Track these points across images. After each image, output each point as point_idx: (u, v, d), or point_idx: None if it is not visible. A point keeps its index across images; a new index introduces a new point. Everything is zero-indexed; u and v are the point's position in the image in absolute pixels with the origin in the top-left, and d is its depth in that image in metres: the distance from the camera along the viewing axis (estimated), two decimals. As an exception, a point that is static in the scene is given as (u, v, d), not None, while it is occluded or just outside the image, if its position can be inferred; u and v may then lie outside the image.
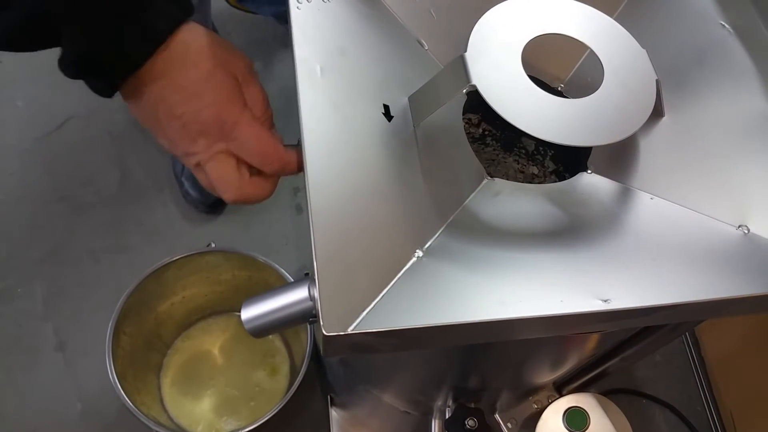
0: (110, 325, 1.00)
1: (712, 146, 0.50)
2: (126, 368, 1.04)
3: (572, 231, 0.52)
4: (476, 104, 0.71)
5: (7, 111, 1.48)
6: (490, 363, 0.61)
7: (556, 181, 0.75)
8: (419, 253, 0.45)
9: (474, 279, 0.44)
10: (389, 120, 0.50)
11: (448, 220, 0.49)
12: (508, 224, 0.51)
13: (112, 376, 0.95)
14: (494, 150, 0.79)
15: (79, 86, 1.60)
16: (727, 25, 0.56)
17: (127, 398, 0.92)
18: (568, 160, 0.72)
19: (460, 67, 0.47)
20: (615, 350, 0.66)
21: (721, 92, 0.53)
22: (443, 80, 0.50)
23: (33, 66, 1.52)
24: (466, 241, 0.48)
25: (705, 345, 1.26)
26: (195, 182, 1.30)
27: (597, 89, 0.47)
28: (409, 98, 0.53)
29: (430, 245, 0.46)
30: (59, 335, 1.27)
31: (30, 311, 1.30)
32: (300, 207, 1.38)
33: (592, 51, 0.49)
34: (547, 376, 0.70)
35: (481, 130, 0.75)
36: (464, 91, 0.46)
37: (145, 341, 1.15)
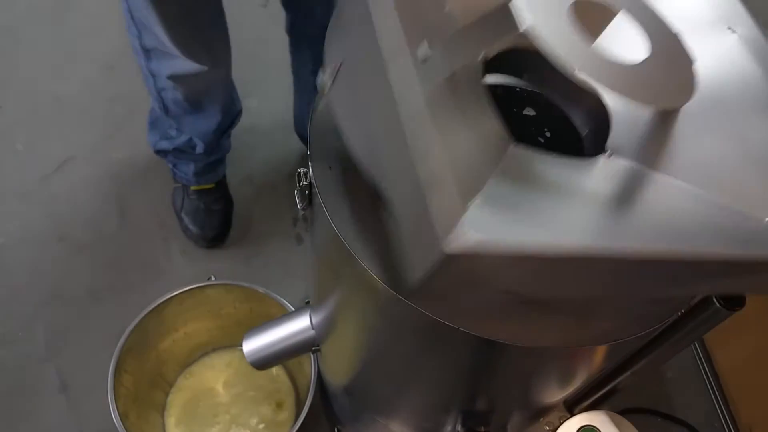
0: (112, 364, 0.98)
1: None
2: (129, 408, 1.02)
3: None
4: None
5: (8, 155, 1.50)
6: (497, 381, 0.60)
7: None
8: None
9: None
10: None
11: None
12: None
13: (115, 417, 0.94)
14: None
15: (77, 127, 1.62)
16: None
17: (129, 438, 0.90)
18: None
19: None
20: (625, 363, 0.64)
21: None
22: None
23: (32, 109, 1.54)
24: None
25: (717, 358, 1.23)
26: (195, 217, 1.30)
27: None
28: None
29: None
30: (61, 377, 1.26)
31: (31, 354, 1.29)
32: (300, 237, 1.37)
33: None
34: (556, 394, 0.68)
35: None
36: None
37: (148, 380, 1.13)
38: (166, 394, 1.20)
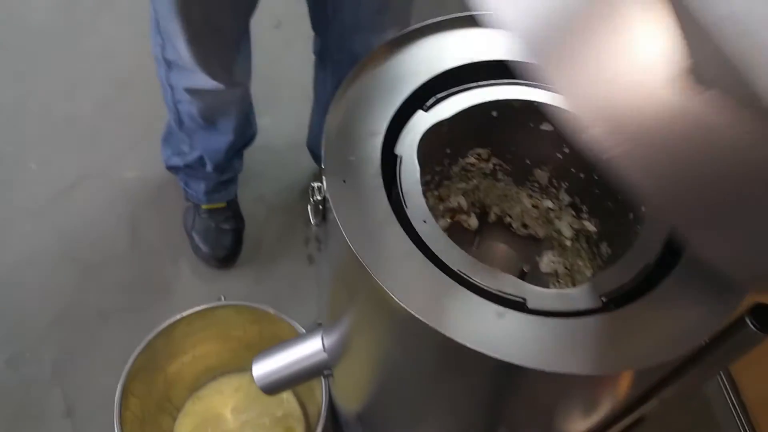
0: (118, 388, 0.96)
1: None
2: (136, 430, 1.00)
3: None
4: (486, 137, 0.69)
5: (21, 173, 1.50)
6: (517, 408, 0.57)
7: (572, 214, 0.73)
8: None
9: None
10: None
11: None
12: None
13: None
14: (506, 185, 0.77)
15: (90, 146, 1.61)
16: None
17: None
18: (584, 192, 0.70)
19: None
20: (650, 391, 0.61)
21: None
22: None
23: (46, 129, 1.54)
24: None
25: (743, 386, 1.18)
26: (206, 237, 1.29)
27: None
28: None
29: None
30: (67, 401, 1.24)
31: (38, 377, 1.27)
32: (312, 257, 1.35)
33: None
34: (580, 424, 0.65)
35: (491, 165, 0.73)
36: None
37: (155, 404, 1.11)
38: (174, 419, 1.17)
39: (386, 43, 0.61)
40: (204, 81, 0.92)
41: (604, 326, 0.47)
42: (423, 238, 0.50)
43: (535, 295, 0.48)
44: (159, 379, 1.09)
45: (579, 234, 0.73)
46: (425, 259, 0.48)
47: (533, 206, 0.76)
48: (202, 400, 1.18)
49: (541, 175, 0.73)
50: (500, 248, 0.75)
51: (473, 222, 0.78)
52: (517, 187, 0.76)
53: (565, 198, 0.73)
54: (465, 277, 0.48)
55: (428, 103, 0.59)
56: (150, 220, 1.42)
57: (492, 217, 0.79)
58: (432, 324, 0.43)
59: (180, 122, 1.10)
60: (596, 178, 0.66)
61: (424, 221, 0.51)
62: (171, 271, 1.35)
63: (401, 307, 0.44)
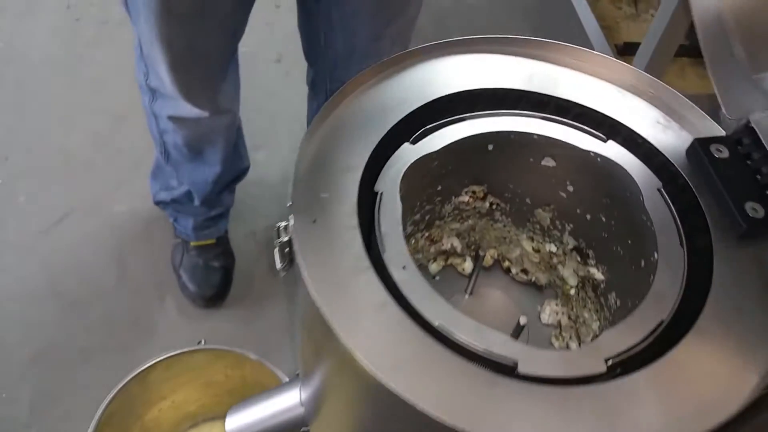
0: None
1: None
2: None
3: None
4: (481, 173, 0.63)
5: (9, 207, 1.45)
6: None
7: (578, 260, 0.66)
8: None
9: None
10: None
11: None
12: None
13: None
14: (504, 226, 0.70)
15: (81, 179, 1.56)
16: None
17: None
18: (590, 235, 0.63)
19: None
20: None
21: None
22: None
23: (37, 160, 1.50)
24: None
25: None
26: (193, 274, 1.23)
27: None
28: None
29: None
30: (41, 446, 1.16)
31: (14, 419, 1.20)
32: (305, 298, 1.28)
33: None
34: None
35: (488, 204, 0.66)
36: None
37: (130, 453, 1.03)
38: (150, 470, 1.09)
39: (372, 68, 0.56)
40: (187, 109, 0.88)
41: (610, 396, 0.40)
42: (400, 288, 0.44)
43: (529, 356, 0.41)
44: (135, 428, 1.02)
45: (585, 282, 0.66)
46: (401, 312, 0.42)
47: (534, 250, 0.69)
48: (179, 449, 1.10)
49: (543, 216, 0.66)
50: (496, 296, 0.68)
51: (468, 266, 0.71)
52: (517, 228, 0.70)
53: (570, 241, 0.66)
54: (447, 334, 0.41)
55: (416, 135, 0.53)
56: (138, 256, 1.37)
57: (488, 261, 0.72)
58: (402, 393, 0.36)
59: (166, 153, 1.05)
60: (603, 219, 0.60)
61: (404, 267, 0.45)
62: (157, 310, 1.29)
63: (368, 372, 0.37)
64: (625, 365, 0.42)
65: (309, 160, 0.48)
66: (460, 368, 0.40)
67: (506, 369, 0.41)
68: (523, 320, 0.56)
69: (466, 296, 0.68)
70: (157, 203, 1.25)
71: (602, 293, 0.63)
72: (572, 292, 0.68)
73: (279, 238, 0.45)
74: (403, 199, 0.51)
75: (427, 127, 0.54)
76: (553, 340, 0.68)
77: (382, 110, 0.52)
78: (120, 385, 0.95)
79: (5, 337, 1.29)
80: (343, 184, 0.47)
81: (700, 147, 0.52)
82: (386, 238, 0.46)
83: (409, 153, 0.52)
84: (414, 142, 0.53)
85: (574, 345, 0.67)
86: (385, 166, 0.51)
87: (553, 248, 0.67)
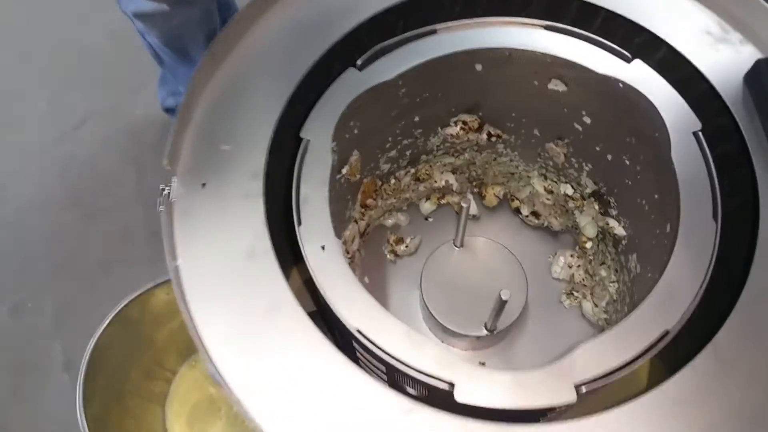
0: (84, 362, 0.87)
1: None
2: (113, 401, 0.92)
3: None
4: (472, 100, 0.50)
5: (31, 111, 1.42)
6: None
7: (597, 209, 0.52)
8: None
9: None
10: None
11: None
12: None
13: (81, 416, 0.83)
14: (511, 161, 0.57)
15: (100, 81, 1.46)
16: None
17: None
18: (612, 180, 0.49)
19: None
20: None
21: None
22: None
23: (61, 64, 1.44)
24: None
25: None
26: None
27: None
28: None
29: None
30: (67, 354, 1.19)
31: (40, 328, 1.22)
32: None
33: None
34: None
35: (485, 136, 0.53)
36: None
37: (144, 371, 1.03)
38: (169, 384, 1.10)
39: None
40: (144, 4, 0.77)
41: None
42: (313, 276, 0.34)
43: (471, 378, 0.31)
44: (149, 344, 1.01)
45: (605, 234, 0.53)
46: (301, 311, 0.32)
47: (547, 191, 0.57)
48: (199, 362, 1.09)
49: (556, 151, 0.53)
50: (492, 249, 0.57)
51: (471, 206, 0.59)
52: (527, 164, 0.56)
53: (589, 184, 0.53)
54: (364, 342, 0.32)
55: (364, 58, 0.41)
56: (157, 160, 1.31)
57: (492, 200, 0.60)
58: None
59: (157, 57, 0.96)
60: (627, 162, 0.46)
61: (323, 247, 0.34)
62: (174, 222, 1.25)
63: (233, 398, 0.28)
64: (604, 396, 0.31)
65: (207, 99, 0.37)
66: (373, 390, 0.30)
67: (438, 395, 0.31)
68: (504, 295, 0.45)
69: (456, 249, 0.57)
70: (166, 110, 1.18)
71: (623, 251, 0.51)
72: (589, 245, 0.55)
73: (160, 206, 0.35)
74: (348, 144, 0.40)
75: (381, 45, 0.41)
76: (564, 298, 0.57)
77: (313, 27, 0.40)
78: (122, 305, 0.92)
79: (29, 247, 1.30)
80: (254, 131, 0.36)
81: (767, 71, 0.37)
82: (305, 204, 0.36)
83: (354, 83, 0.40)
84: (362, 68, 0.40)
85: (588, 306, 0.56)
86: (318, 103, 0.39)
87: (569, 190, 0.54)
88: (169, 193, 0.34)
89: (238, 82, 0.38)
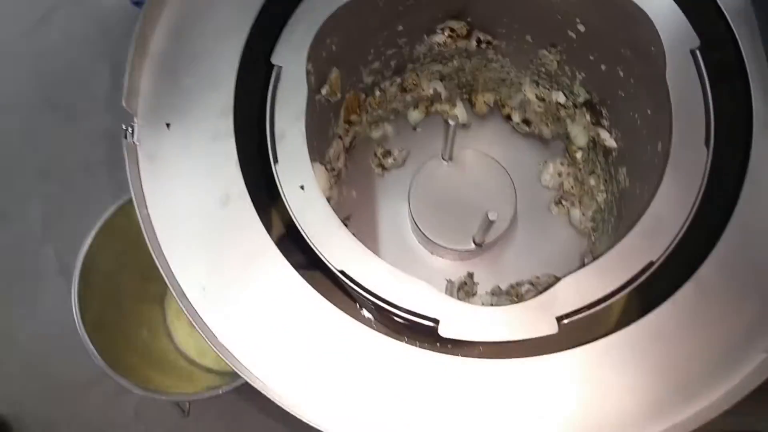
0: (76, 272, 0.89)
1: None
2: (110, 305, 0.95)
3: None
4: (459, 4, 0.47)
5: (-13, 4, 1.33)
6: None
7: (589, 118, 0.51)
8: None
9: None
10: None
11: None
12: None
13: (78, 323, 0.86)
14: (502, 67, 0.55)
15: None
16: None
17: (87, 338, 0.83)
18: (605, 89, 0.48)
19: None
20: None
21: None
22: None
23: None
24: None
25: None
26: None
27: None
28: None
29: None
30: (60, 258, 1.21)
31: (28, 235, 1.23)
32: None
33: None
34: None
35: (474, 43, 0.51)
36: None
37: (139, 274, 1.06)
38: (164, 282, 1.12)
39: None
40: None
41: (566, 368, 0.31)
42: (293, 216, 0.33)
43: (455, 315, 0.32)
44: (136, 251, 1.02)
45: (595, 144, 0.52)
46: (282, 258, 0.32)
47: (539, 98, 0.55)
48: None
49: (549, 58, 0.50)
50: (482, 162, 0.56)
51: (460, 113, 0.58)
52: (518, 70, 0.54)
53: (581, 93, 0.51)
54: (347, 281, 0.32)
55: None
56: (131, 59, 1.26)
57: (482, 108, 0.58)
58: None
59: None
60: (621, 74, 0.44)
61: (302, 186, 0.34)
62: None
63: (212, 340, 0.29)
64: (584, 327, 0.32)
65: (165, 26, 0.35)
66: (361, 331, 0.31)
67: (424, 330, 0.32)
68: (492, 215, 0.45)
69: (445, 163, 0.56)
70: (135, 3, 1.11)
71: (613, 163, 0.50)
72: (579, 155, 0.55)
73: (124, 149, 0.34)
74: (325, 62, 0.38)
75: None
76: (552, 206, 0.57)
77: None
78: (114, 208, 0.92)
79: (8, 152, 1.28)
80: (219, 60, 0.34)
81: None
82: (281, 140, 0.34)
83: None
84: (335, -20, 0.37)
85: (576, 213, 0.56)
86: (288, 23, 0.36)
87: (561, 98, 0.53)
88: (131, 134, 0.33)
89: (198, 4, 0.35)
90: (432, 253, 0.56)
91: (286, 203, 0.33)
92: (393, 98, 0.56)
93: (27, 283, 1.19)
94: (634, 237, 0.33)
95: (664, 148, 0.39)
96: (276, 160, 0.34)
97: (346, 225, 0.55)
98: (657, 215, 0.33)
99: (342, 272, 0.32)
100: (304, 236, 0.33)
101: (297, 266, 0.32)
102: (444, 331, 0.32)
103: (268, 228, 0.32)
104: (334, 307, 0.32)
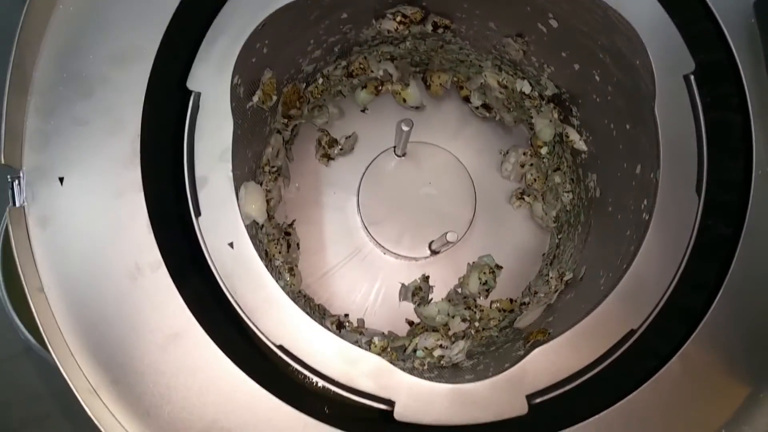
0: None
1: None
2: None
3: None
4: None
5: None
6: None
7: (555, 110, 0.46)
8: None
9: None
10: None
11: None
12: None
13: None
14: (461, 49, 0.49)
15: None
16: None
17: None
18: (576, 88, 0.43)
19: None
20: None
21: None
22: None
23: None
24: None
25: None
26: None
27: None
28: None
29: None
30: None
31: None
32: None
33: None
34: None
35: (430, 28, 0.44)
36: None
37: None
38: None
39: None
40: None
41: None
42: (221, 284, 0.28)
43: (413, 392, 0.28)
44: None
45: (563, 139, 0.48)
46: (208, 340, 0.27)
47: (501, 85, 0.49)
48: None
49: (514, 47, 0.45)
50: (439, 156, 0.51)
51: (413, 95, 0.52)
52: (479, 53, 0.48)
53: (549, 86, 0.46)
54: (286, 358, 0.28)
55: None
56: None
57: (437, 90, 0.53)
58: None
59: None
60: (598, 78, 0.39)
61: (230, 244, 0.29)
62: None
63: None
64: (558, 409, 0.29)
65: (48, 53, 0.28)
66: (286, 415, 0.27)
67: (379, 416, 0.28)
68: (451, 237, 0.41)
69: (397, 158, 0.51)
70: None
71: (582, 165, 0.46)
72: (544, 150, 0.50)
73: (6, 215, 0.27)
74: (256, 67, 0.32)
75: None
76: (513, 200, 0.53)
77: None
78: None
79: None
80: (118, 91, 0.28)
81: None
82: (203, 187, 0.29)
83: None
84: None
85: (538, 208, 0.52)
86: (206, 37, 0.30)
87: (527, 88, 0.48)
88: (16, 194, 0.27)
89: (89, 20, 0.28)
90: (384, 253, 0.52)
91: (212, 267, 0.28)
92: (338, 82, 0.49)
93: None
94: (612, 301, 0.29)
95: (644, 172, 0.35)
96: (198, 213, 0.28)
97: (289, 234, 0.51)
98: (638, 275, 0.29)
99: (280, 347, 0.28)
100: (235, 307, 0.28)
101: (227, 347, 0.28)
102: (400, 414, 0.28)
103: (190, 302, 0.27)
104: (271, 396, 0.27)
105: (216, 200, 0.29)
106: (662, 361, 0.29)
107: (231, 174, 0.29)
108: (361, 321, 0.50)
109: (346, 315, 0.50)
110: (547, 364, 0.29)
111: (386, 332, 0.50)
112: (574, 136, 0.45)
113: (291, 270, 0.48)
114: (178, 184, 0.28)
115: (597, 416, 0.28)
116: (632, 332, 0.29)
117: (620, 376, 0.29)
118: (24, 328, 0.79)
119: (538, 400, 0.29)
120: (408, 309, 0.52)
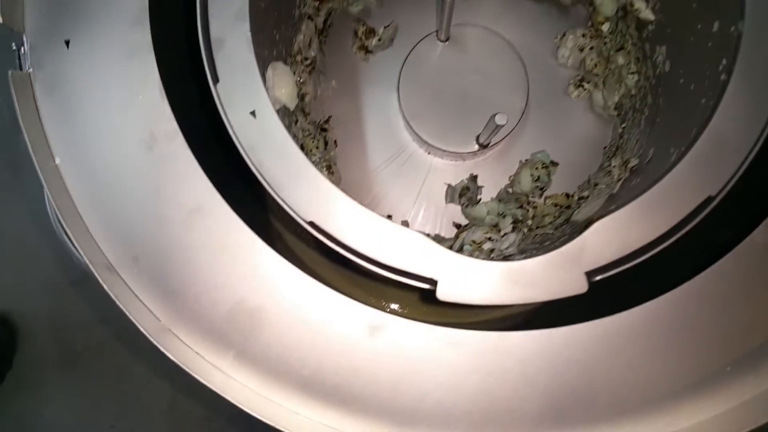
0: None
1: None
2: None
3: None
4: None
5: None
6: None
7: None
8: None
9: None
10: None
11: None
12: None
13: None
14: None
15: None
16: None
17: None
18: None
19: None
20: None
21: None
22: None
23: None
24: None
25: None
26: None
27: None
28: None
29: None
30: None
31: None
32: None
33: None
34: None
35: None
36: None
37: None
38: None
39: None
40: None
41: (598, 342, 0.26)
42: (244, 156, 0.26)
43: (458, 270, 0.26)
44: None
45: (627, 14, 0.43)
46: (225, 204, 0.25)
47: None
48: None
49: None
50: (487, 40, 0.47)
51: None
52: None
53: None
54: (319, 235, 0.26)
55: None
56: None
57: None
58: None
59: None
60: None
61: (253, 113, 0.26)
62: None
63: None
64: (622, 289, 0.26)
65: None
66: (329, 300, 0.26)
67: (420, 296, 0.26)
68: (500, 119, 0.37)
69: (441, 44, 0.47)
70: None
71: (649, 38, 0.41)
72: (606, 26, 0.45)
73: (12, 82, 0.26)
74: None
75: None
76: (571, 89, 0.49)
77: None
78: None
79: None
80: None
81: None
82: (220, 50, 0.26)
83: None
84: None
85: (599, 96, 0.48)
86: None
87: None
88: (22, 60, 0.25)
89: None
90: (428, 153, 0.49)
91: (233, 138, 0.26)
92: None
93: None
94: (686, 166, 0.26)
95: (724, 29, 0.30)
96: (216, 79, 0.26)
97: (325, 130, 0.49)
98: (717, 136, 0.26)
99: (311, 224, 0.26)
100: (261, 181, 0.26)
101: (253, 223, 0.26)
102: (443, 294, 0.26)
103: (212, 175, 0.26)
104: (300, 273, 0.26)
105: (234, 63, 0.26)
106: (744, 232, 0.25)
107: (249, 35, 0.26)
108: (405, 223, 0.48)
109: (389, 216, 0.48)
110: (610, 237, 0.26)
111: (432, 235, 0.48)
112: (639, 4, 0.40)
113: (329, 168, 0.46)
114: (192, 45, 0.26)
115: (665, 295, 0.25)
116: (710, 199, 0.26)
117: (695, 251, 0.26)
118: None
119: (598, 278, 0.26)
120: (455, 211, 0.49)
